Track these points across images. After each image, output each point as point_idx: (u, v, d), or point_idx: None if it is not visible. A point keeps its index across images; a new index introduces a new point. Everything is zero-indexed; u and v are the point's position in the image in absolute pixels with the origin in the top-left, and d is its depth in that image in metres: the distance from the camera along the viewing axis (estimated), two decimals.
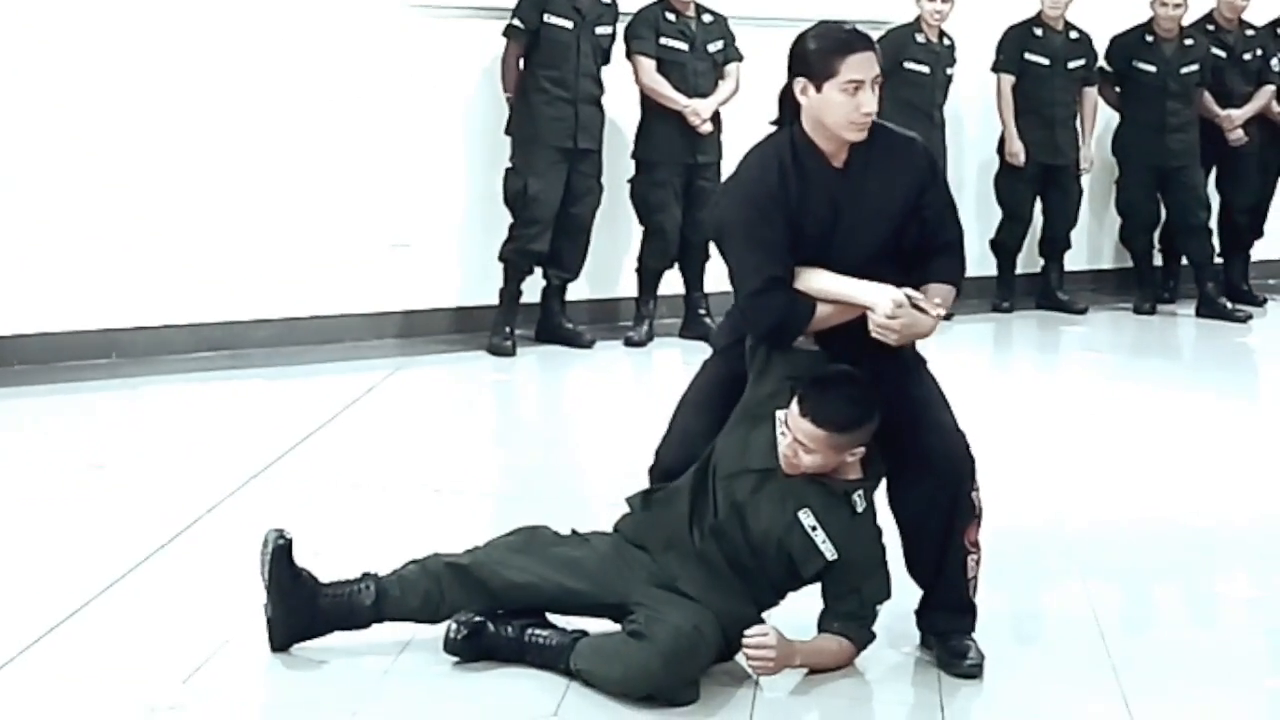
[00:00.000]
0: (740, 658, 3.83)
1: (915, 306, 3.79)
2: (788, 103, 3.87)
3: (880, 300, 3.78)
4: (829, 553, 3.80)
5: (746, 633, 3.77)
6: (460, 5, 7.48)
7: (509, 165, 7.35)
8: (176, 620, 4.08)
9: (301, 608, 3.83)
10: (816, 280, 3.83)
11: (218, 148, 6.97)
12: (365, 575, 3.89)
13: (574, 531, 4.00)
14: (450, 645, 3.83)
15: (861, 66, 3.76)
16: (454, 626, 3.82)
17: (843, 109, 3.77)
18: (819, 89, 3.77)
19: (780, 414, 3.80)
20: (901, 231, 3.91)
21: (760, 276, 3.82)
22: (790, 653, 3.79)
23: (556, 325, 7.59)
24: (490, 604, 3.85)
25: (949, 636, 4.01)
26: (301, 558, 3.86)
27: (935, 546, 3.97)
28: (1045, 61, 8.74)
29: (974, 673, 3.94)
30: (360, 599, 3.84)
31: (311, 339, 7.23)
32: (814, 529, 3.80)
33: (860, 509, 3.83)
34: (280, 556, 3.82)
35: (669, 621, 3.70)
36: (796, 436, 3.76)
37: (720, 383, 4.01)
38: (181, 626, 4.04)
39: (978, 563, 4.01)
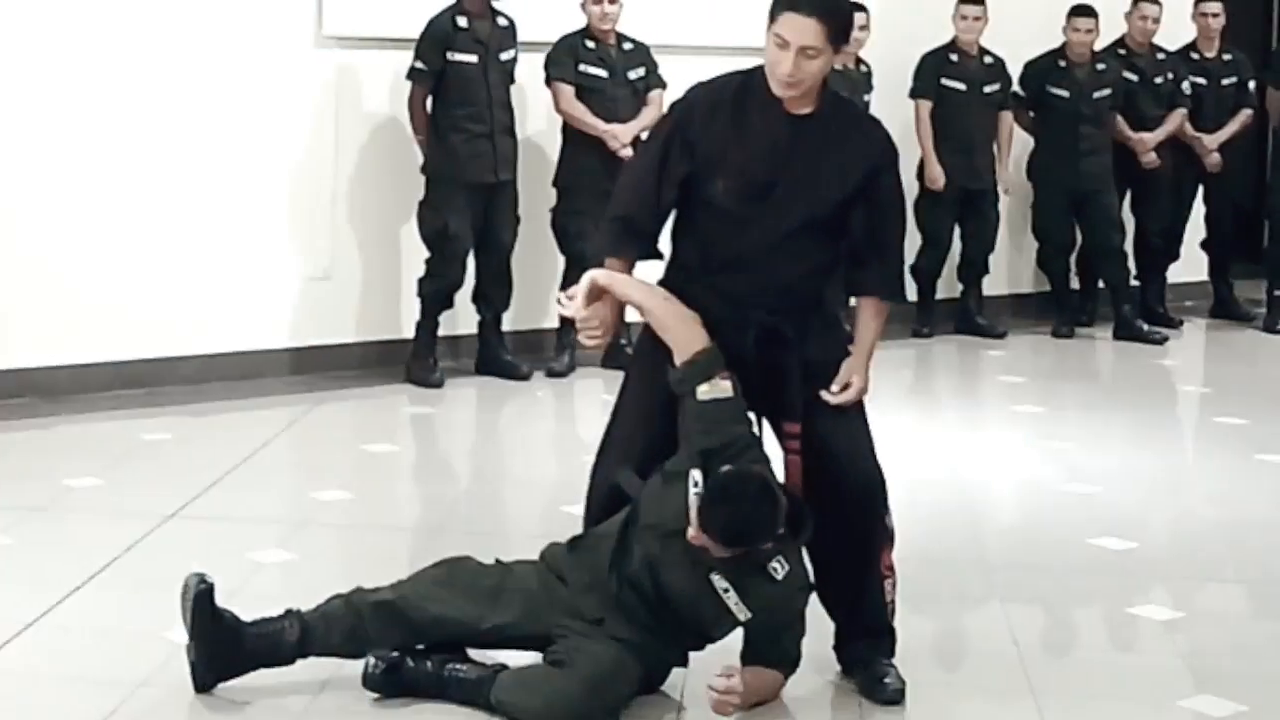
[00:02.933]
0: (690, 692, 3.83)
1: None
2: None
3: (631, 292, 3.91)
4: (741, 614, 3.77)
5: (716, 675, 3.74)
6: (375, 37, 7.47)
7: (424, 202, 7.32)
8: (93, 663, 4.04)
9: (225, 649, 3.79)
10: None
11: (133, 183, 6.92)
12: (289, 612, 3.86)
13: (498, 561, 3.98)
14: (369, 680, 3.81)
15: (792, 29, 3.71)
16: (372, 661, 3.80)
17: (770, 59, 3.77)
18: (768, 29, 3.77)
19: (696, 475, 3.74)
20: (848, 206, 3.88)
21: (627, 208, 3.92)
22: (750, 693, 3.79)
23: (495, 358, 7.58)
24: (413, 639, 3.83)
25: (871, 663, 4.01)
26: (222, 596, 3.82)
27: (854, 572, 3.98)
28: (961, 86, 8.83)
29: (896, 698, 3.95)
30: (285, 637, 3.82)
31: (230, 375, 7.18)
32: (726, 591, 3.75)
33: (780, 575, 3.77)
34: (202, 601, 3.78)
35: (590, 650, 3.70)
36: (701, 541, 3.70)
37: (641, 438, 3.96)
38: (98, 669, 3.99)
39: (894, 586, 4.02)
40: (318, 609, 3.86)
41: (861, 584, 3.98)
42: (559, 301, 4.05)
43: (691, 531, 3.71)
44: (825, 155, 3.85)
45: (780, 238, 3.86)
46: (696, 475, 3.75)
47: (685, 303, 3.92)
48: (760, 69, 3.85)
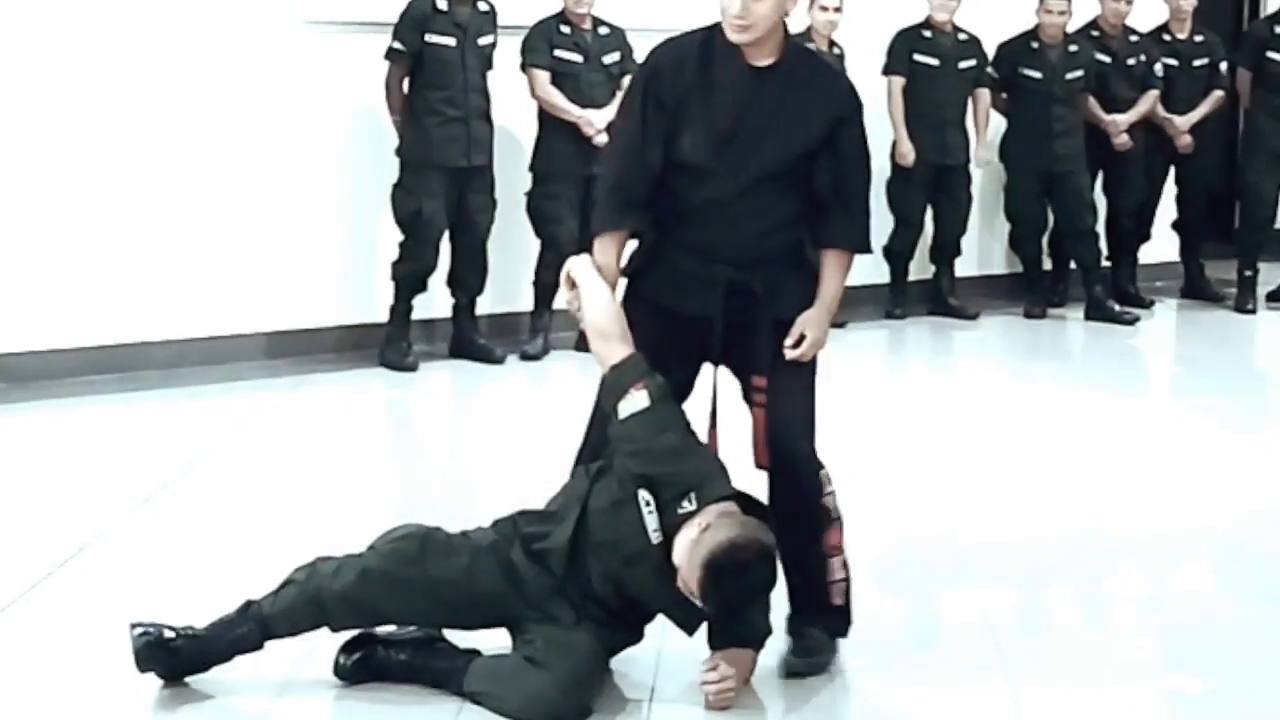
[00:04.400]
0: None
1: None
2: None
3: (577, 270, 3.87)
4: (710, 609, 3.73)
5: (705, 674, 3.74)
6: (353, 20, 7.45)
7: (398, 185, 7.31)
8: (66, 649, 4.03)
9: (185, 670, 3.77)
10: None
11: (105, 166, 6.90)
12: (247, 611, 3.78)
13: (465, 534, 3.89)
14: (340, 670, 3.81)
15: None
16: (343, 656, 3.81)
17: (720, 4, 3.80)
18: None
19: (645, 495, 3.66)
20: (811, 158, 3.87)
21: (618, 178, 3.90)
22: (740, 679, 3.80)
23: (469, 341, 7.58)
24: (378, 625, 3.82)
25: (803, 635, 3.99)
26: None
27: (793, 546, 3.92)
28: (935, 62, 8.81)
29: (798, 669, 3.92)
30: (246, 642, 3.77)
31: (204, 360, 7.16)
32: (693, 593, 3.68)
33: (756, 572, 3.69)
34: (145, 653, 3.72)
35: (564, 645, 3.69)
36: (687, 584, 3.62)
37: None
38: (71, 655, 3.99)
39: (844, 565, 4.00)
40: (276, 602, 3.78)
41: (801, 558, 3.95)
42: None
43: (680, 580, 3.63)
44: (787, 105, 3.85)
45: (742, 188, 3.85)
46: (645, 495, 3.69)
47: (656, 260, 3.92)
48: (711, 27, 3.88)
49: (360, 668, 3.80)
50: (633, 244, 4.02)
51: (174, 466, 5.61)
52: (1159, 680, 4.07)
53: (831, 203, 3.93)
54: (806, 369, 3.96)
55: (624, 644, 3.88)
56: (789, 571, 3.97)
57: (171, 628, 3.77)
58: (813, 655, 3.99)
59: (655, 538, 3.69)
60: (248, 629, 3.77)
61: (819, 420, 3.99)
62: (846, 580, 4.02)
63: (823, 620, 4.02)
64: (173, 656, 3.74)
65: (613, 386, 3.78)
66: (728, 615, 3.71)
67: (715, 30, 3.88)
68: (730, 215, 3.87)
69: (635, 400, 3.73)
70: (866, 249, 4.05)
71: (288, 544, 4.82)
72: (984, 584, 4.71)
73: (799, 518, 3.92)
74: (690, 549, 3.61)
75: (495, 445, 6.38)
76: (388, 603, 3.77)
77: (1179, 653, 4.24)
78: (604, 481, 3.81)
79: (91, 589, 4.46)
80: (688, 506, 3.67)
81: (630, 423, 3.73)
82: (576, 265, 3.93)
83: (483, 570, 3.81)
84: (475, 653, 3.82)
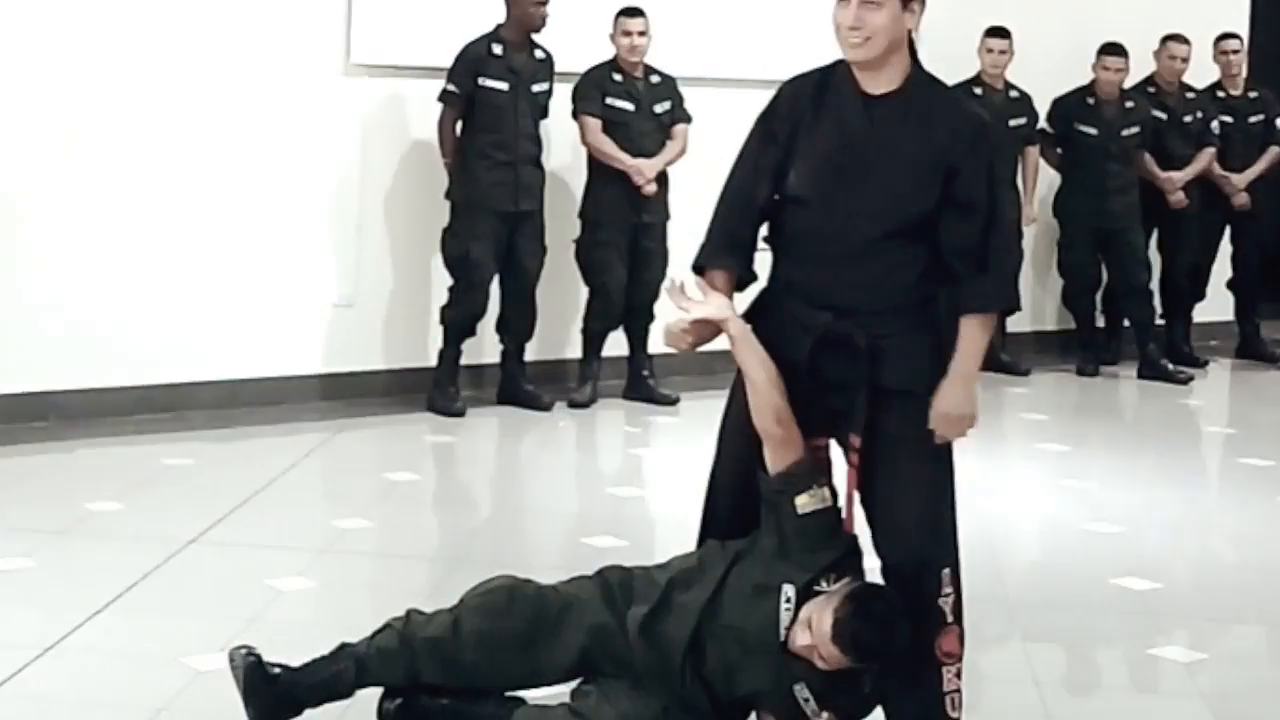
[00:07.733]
0: None
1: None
2: None
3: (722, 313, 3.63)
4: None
5: None
6: (401, 65, 7.49)
7: (448, 229, 7.34)
8: (111, 688, 4.03)
9: (283, 706, 3.74)
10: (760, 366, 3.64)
11: (158, 207, 6.94)
12: (343, 651, 3.76)
13: (555, 588, 3.80)
14: (385, 715, 3.77)
15: None
16: (387, 702, 3.77)
17: (835, 20, 3.55)
18: None
19: (789, 591, 3.59)
20: (925, 196, 3.54)
21: (725, 215, 3.72)
22: None
23: (517, 387, 7.58)
24: (463, 681, 3.74)
25: None
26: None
27: (901, 662, 3.62)
28: None
29: None
30: (341, 679, 3.74)
31: (253, 401, 7.19)
32: (806, 701, 3.60)
33: (868, 688, 3.61)
34: (252, 674, 3.70)
35: (616, 707, 3.64)
36: (820, 651, 3.52)
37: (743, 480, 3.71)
38: (116, 694, 3.99)
39: (958, 674, 3.68)
40: (372, 644, 3.76)
41: (910, 673, 3.65)
42: (674, 283, 3.70)
43: (804, 640, 3.54)
44: (901, 137, 3.57)
45: (845, 224, 3.59)
46: (789, 591, 3.59)
47: (770, 301, 3.71)
48: (843, 60, 3.64)
49: (404, 713, 3.77)
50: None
51: (221, 507, 5.62)
52: None
53: (954, 260, 3.57)
54: (934, 458, 3.65)
55: None
56: (893, 680, 3.64)
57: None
58: None
59: (784, 635, 3.60)
60: (344, 666, 3.73)
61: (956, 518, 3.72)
62: (959, 692, 3.68)
63: None
64: (271, 686, 3.70)
65: (796, 480, 3.63)
66: (859, 654, 3.51)
67: (838, 63, 3.66)
68: (832, 253, 3.61)
69: (821, 497, 3.63)
70: (1003, 305, 3.74)
71: (335, 587, 4.83)
72: (1032, 643, 4.67)
73: (914, 623, 3.59)
74: (824, 601, 3.54)
75: (541, 492, 6.36)
76: (475, 653, 3.69)
77: (1227, 716, 4.19)
78: (746, 564, 3.70)
79: (136, 629, 4.46)
80: (824, 587, 3.61)
81: (812, 519, 3.63)
82: (736, 326, 3.65)
83: (570, 625, 3.73)
84: (519, 701, 3.78)
